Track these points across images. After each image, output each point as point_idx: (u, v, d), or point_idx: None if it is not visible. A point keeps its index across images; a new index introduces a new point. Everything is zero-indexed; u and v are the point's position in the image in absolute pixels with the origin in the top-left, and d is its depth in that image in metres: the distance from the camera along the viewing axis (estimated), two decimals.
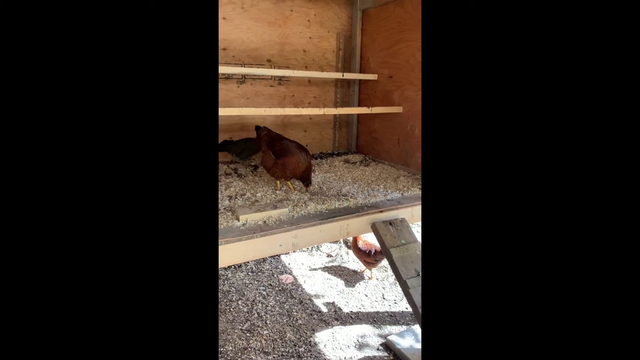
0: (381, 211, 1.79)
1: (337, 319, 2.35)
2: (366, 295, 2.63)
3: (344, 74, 2.62)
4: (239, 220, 1.55)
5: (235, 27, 2.48)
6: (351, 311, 2.44)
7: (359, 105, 2.98)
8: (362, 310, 2.46)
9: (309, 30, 2.75)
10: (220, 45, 2.45)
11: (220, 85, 2.53)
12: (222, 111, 1.93)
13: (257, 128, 2.21)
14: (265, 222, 1.58)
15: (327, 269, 2.98)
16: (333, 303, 2.51)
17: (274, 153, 1.94)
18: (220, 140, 2.48)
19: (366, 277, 2.84)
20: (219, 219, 1.56)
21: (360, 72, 2.88)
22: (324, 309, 2.44)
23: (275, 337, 2.15)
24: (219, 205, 1.72)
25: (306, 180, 1.90)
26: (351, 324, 2.32)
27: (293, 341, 2.12)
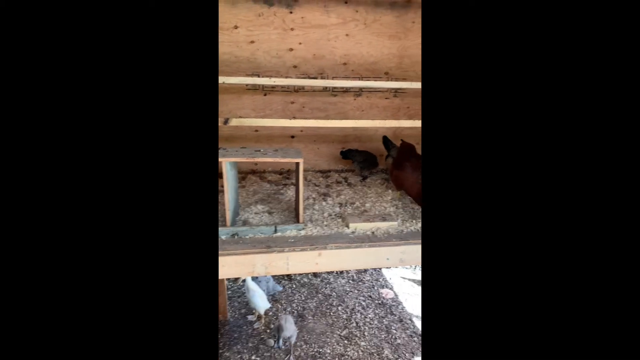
0: None
1: None
2: None
3: None
4: (348, 228, 1.60)
5: (357, 42, 2.58)
6: None
7: None
8: None
9: None
10: (341, 60, 2.60)
11: (338, 99, 2.67)
12: (338, 123, 2.03)
13: (386, 141, 2.29)
14: (373, 232, 1.59)
15: None
16: None
17: (394, 161, 1.98)
18: (341, 149, 2.61)
19: None
20: (330, 224, 1.64)
21: None
22: None
23: (373, 350, 2.11)
24: (331, 211, 1.81)
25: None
26: None
27: None
